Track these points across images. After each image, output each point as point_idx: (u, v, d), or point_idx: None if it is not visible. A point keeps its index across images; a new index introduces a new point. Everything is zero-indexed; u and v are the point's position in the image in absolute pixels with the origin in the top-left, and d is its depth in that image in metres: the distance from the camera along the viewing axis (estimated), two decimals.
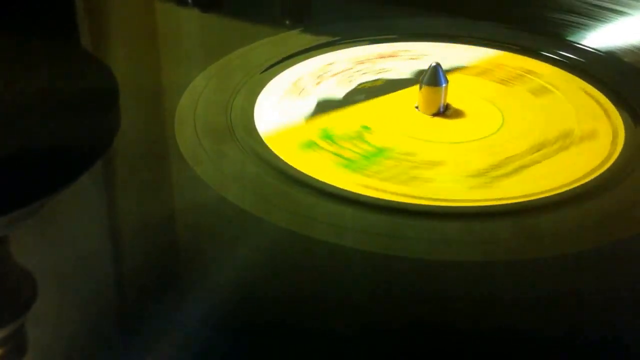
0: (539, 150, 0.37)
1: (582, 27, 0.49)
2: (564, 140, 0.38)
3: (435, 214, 0.33)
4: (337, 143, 0.37)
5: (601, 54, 0.46)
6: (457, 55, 0.46)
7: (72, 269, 0.31)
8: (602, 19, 0.49)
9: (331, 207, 0.34)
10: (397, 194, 0.34)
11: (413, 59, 0.45)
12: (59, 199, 0.35)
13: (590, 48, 0.46)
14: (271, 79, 0.43)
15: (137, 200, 0.35)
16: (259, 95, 0.41)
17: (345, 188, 0.34)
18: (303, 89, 0.42)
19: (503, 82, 0.43)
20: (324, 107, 0.41)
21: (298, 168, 0.36)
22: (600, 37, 0.48)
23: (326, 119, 0.40)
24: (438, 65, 0.39)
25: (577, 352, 0.27)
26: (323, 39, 0.47)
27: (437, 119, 0.39)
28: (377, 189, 0.34)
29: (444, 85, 0.39)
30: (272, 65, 0.44)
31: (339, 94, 0.42)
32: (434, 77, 0.39)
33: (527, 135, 0.38)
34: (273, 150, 0.37)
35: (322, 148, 0.37)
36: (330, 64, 0.45)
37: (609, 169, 0.36)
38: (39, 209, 0.34)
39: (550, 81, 0.43)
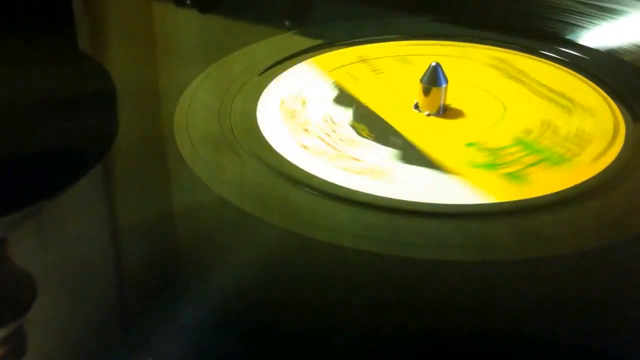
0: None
1: (582, 26, 0.49)
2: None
3: (434, 214, 0.33)
4: None
5: (601, 53, 0.46)
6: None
7: (71, 270, 0.31)
8: (602, 18, 0.49)
9: (331, 207, 0.34)
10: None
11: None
12: (58, 200, 0.35)
13: (590, 47, 0.46)
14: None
15: (136, 202, 0.35)
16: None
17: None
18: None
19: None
20: None
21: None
22: (600, 36, 0.48)
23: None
24: (438, 65, 0.39)
25: (576, 353, 0.27)
26: (323, 40, 0.47)
27: (432, 118, 0.39)
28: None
29: (443, 85, 0.39)
30: (271, 66, 0.44)
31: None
32: (434, 77, 0.39)
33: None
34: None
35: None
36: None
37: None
38: (38, 211, 0.34)
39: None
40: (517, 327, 0.28)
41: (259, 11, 0.53)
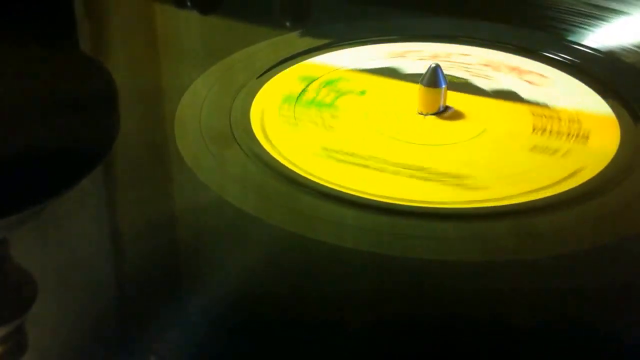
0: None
1: (582, 27, 0.49)
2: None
3: (434, 214, 0.33)
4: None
5: (601, 54, 0.46)
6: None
7: (72, 271, 0.31)
8: (602, 19, 0.49)
9: (331, 208, 0.34)
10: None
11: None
12: (60, 201, 0.35)
13: (590, 48, 0.46)
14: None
15: (137, 203, 0.35)
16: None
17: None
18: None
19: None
20: None
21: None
22: (600, 37, 0.47)
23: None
24: (438, 66, 0.39)
25: (576, 351, 0.27)
26: (324, 41, 0.47)
27: (430, 119, 0.39)
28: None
29: (443, 86, 0.39)
30: (272, 67, 0.44)
31: None
32: (433, 78, 0.39)
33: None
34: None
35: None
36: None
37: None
38: (39, 212, 0.34)
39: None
40: (516, 327, 0.28)
41: (260, 12, 0.53)
